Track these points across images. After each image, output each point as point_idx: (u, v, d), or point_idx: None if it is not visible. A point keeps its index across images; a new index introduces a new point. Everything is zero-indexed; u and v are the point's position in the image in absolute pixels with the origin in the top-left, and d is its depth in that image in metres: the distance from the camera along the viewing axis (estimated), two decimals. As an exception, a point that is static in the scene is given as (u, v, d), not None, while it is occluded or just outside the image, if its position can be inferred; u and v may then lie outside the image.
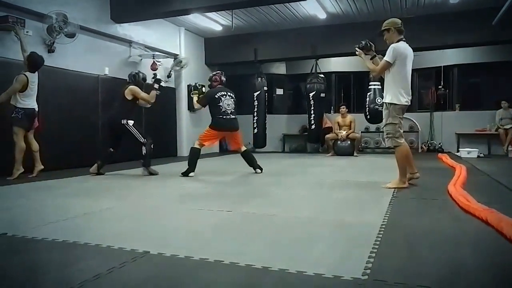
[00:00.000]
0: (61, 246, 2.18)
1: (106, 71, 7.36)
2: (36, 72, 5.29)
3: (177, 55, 9.19)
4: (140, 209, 3.29)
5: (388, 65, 3.92)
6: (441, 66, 10.11)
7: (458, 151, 9.02)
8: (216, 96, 5.47)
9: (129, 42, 7.92)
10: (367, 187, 4.29)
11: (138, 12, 7.31)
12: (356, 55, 4.19)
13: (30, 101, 5.19)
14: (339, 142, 9.08)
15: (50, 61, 6.16)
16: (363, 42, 4.16)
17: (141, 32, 8.05)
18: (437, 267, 1.81)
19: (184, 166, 5.44)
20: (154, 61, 8.35)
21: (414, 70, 10.08)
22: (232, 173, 5.78)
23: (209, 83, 5.77)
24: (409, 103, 4.05)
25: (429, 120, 10.25)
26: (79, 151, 6.49)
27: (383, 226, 2.51)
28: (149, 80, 6.11)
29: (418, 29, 8.41)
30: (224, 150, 11.15)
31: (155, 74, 6.02)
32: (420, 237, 2.32)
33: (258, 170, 5.69)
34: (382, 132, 10.63)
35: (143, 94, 5.50)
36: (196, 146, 5.46)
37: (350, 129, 9.15)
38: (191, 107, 9.29)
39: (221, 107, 5.44)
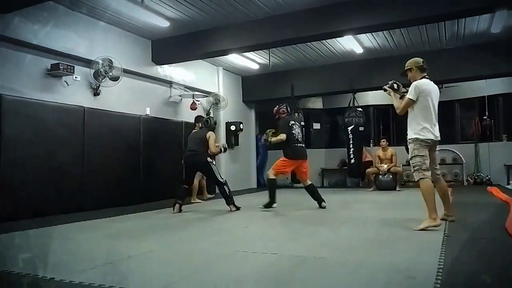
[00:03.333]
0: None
1: (147, 111, 7.60)
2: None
3: (216, 94, 9.38)
4: (184, 253, 3.25)
5: (411, 102, 3.97)
6: (484, 96, 9.76)
7: (508, 183, 8.52)
8: (290, 124, 5.71)
9: (169, 83, 8.18)
10: (415, 225, 4.06)
11: (178, 54, 7.57)
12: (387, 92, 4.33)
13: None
14: (380, 176, 8.81)
15: (95, 103, 6.45)
16: (390, 83, 4.31)
17: (181, 72, 8.32)
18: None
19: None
20: (193, 101, 8.55)
21: (455, 101, 10.17)
22: (273, 210, 5.67)
23: (276, 116, 5.96)
24: (437, 139, 4.00)
25: (473, 152, 9.82)
26: (122, 189, 6.62)
27: (440, 272, 2.31)
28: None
29: (459, 60, 8.25)
30: (262, 185, 11.08)
31: (225, 148, 6.26)
32: None
33: (324, 204, 5.66)
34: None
35: (212, 142, 5.75)
36: (272, 177, 5.62)
37: (392, 162, 8.87)
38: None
39: (294, 135, 5.66)
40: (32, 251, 3.38)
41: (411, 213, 4.71)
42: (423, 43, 8.04)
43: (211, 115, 9.39)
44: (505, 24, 7.00)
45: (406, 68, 4.18)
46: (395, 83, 4.30)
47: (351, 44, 7.94)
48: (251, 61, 9.07)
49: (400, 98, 4.23)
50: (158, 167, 7.37)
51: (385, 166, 8.81)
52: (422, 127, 3.93)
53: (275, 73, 9.79)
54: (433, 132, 3.97)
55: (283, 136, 5.65)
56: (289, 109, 5.96)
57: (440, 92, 11.48)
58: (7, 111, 5.11)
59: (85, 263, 2.78)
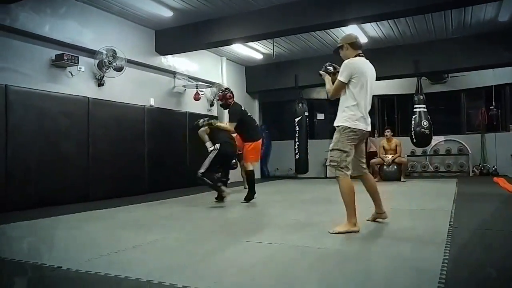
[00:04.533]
0: (113, 281, 2.18)
1: (151, 101, 7.60)
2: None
3: (219, 84, 9.36)
4: (189, 243, 3.27)
5: (342, 85, 3.44)
6: (491, 86, 9.66)
7: (515, 174, 8.48)
8: (243, 109, 5.66)
9: (173, 73, 8.17)
10: (420, 215, 4.07)
11: (182, 44, 7.55)
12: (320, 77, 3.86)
13: None
14: (385, 167, 8.79)
15: (100, 94, 6.46)
16: (324, 66, 3.86)
17: (184, 63, 8.30)
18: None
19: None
20: (197, 91, 8.54)
21: (461, 91, 10.09)
22: (277, 201, 5.69)
23: (221, 102, 5.71)
24: (367, 130, 3.50)
25: (480, 142, 9.75)
26: (127, 179, 6.66)
27: (445, 263, 2.30)
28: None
29: (465, 49, 8.17)
30: (266, 176, 11.12)
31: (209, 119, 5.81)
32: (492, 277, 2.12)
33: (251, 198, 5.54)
34: (430, 155, 10.24)
35: (225, 126, 5.61)
36: (251, 168, 5.55)
37: (396, 153, 8.85)
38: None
39: (252, 118, 5.71)
40: (39, 241, 3.41)
41: (416, 204, 4.71)
42: (429, 32, 7.96)
43: (215, 105, 9.42)
44: (512, 13, 6.90)
45: (337, 46, 3.66)
46: (331, 65, 3.83)
47: (355, 33, 7.82)
48: (255, 51, 9.03)
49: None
50: (163, 157, 7.39)
51: (390, 156, 8.79)
52: (353, 113, 3.39)
53: (279, 63, 9.75)
54: (366, 121, 3.46)
55: (230, 126, 5.42)
56: (233, 93, 5.72)
57: (445, 82, 11.30)
58: (13, 101, 5.13)
59: (91, 253, 2.80)
